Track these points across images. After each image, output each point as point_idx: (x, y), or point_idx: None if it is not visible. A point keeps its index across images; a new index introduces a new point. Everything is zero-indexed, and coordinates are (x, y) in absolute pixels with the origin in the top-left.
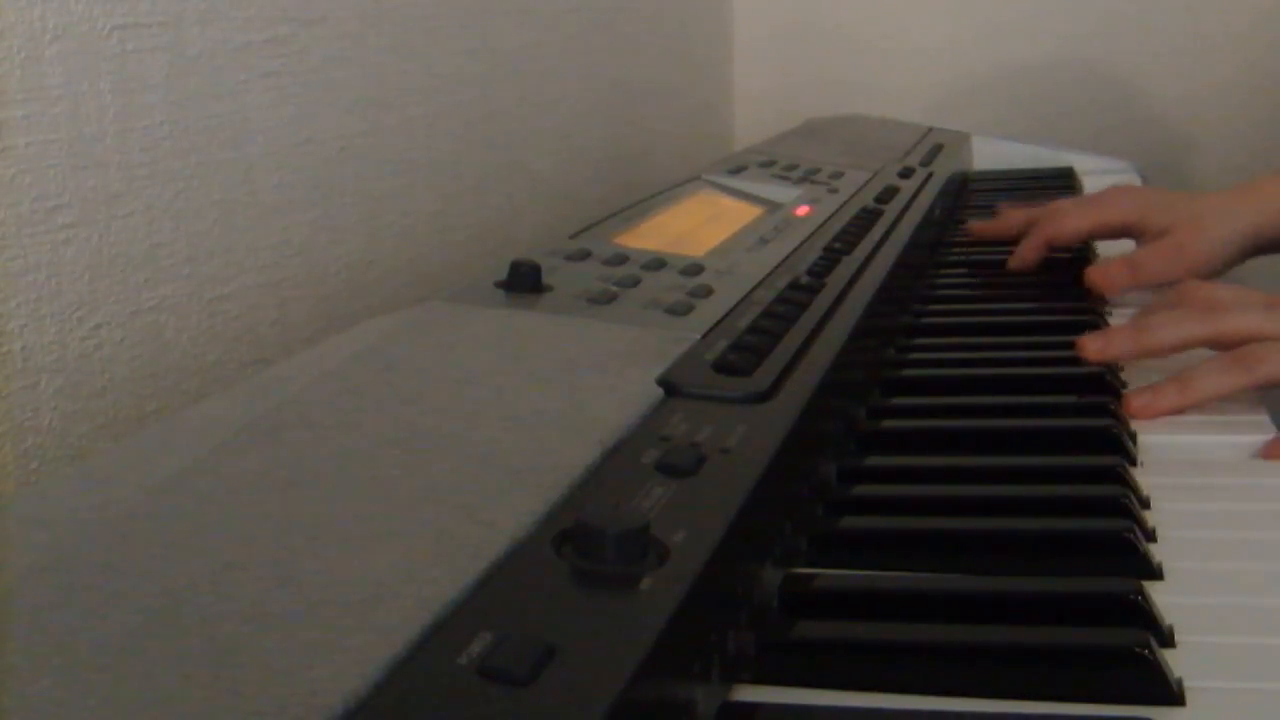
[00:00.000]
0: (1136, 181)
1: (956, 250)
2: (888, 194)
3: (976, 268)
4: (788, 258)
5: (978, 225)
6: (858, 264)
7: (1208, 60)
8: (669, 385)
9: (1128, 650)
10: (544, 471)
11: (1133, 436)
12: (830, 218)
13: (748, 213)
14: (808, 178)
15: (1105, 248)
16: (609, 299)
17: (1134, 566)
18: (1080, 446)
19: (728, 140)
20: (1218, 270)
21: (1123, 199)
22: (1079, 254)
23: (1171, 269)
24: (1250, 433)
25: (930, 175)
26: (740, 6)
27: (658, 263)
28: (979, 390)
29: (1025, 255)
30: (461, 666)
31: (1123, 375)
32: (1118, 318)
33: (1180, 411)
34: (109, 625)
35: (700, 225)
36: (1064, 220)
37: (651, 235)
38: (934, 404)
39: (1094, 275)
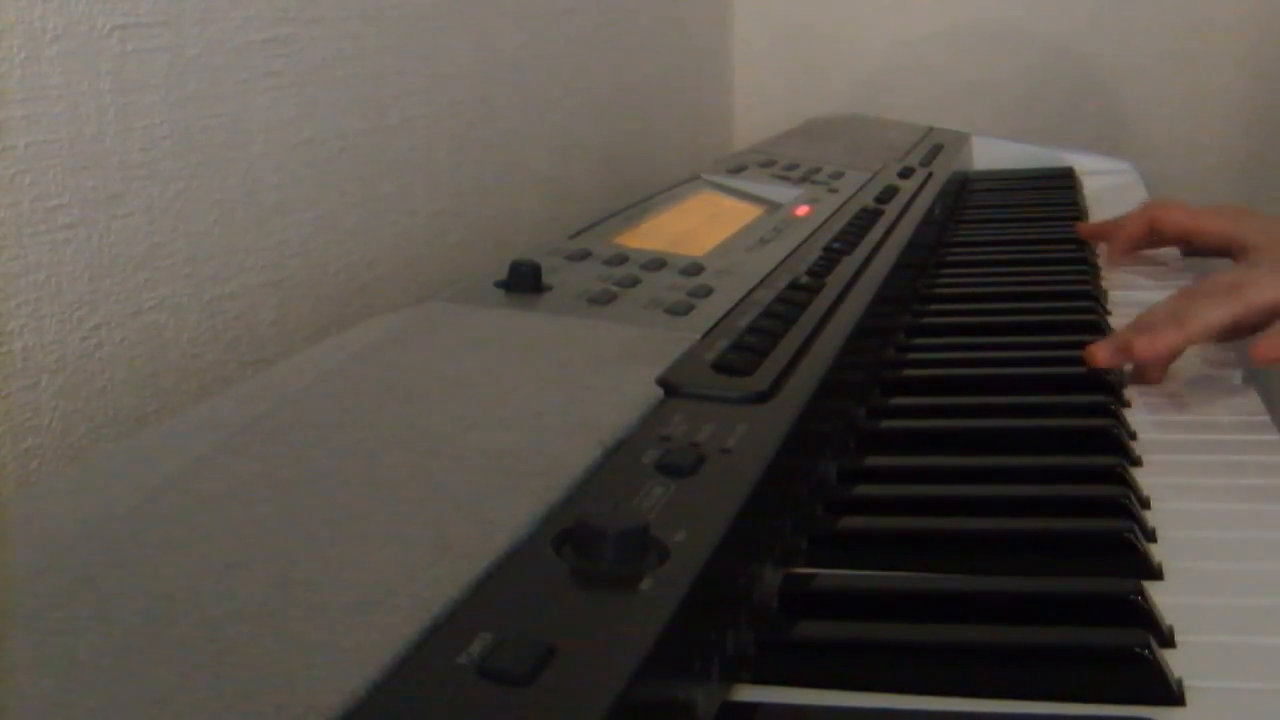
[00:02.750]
0: (1137, 180)
1: (956, 250)
2: (888, 194)
3: (976, 268)
4: (788, 258)
5: (1084, 227)
6: (858, 264)
7: (1207, 60)
8: (669, 385)
9: (1128, 650)
10: (544, 471)
11: (1133, 436)
12: (830, 218)
13: (748, 213)
14: (808, 178)
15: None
16: (609, 299)
17: (1134, 566)
18: (1080, 446)
19: (728, 140)
20: None
21: (1228, 215)
22: (1078, 254)
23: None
24: (1250, 433)
25: (930, 175)
26: (740, 7)
27: (658, 263)
28: (979, 390)
29: (1126, 234)
30: (461, 666)
31: (1126, 385)
32: (1118, 317)
33: (1181, 348)
34: (109, 625)
35: (700, 225)
36: (1172, 210)
37: (651, 235)
38: (934, 404)
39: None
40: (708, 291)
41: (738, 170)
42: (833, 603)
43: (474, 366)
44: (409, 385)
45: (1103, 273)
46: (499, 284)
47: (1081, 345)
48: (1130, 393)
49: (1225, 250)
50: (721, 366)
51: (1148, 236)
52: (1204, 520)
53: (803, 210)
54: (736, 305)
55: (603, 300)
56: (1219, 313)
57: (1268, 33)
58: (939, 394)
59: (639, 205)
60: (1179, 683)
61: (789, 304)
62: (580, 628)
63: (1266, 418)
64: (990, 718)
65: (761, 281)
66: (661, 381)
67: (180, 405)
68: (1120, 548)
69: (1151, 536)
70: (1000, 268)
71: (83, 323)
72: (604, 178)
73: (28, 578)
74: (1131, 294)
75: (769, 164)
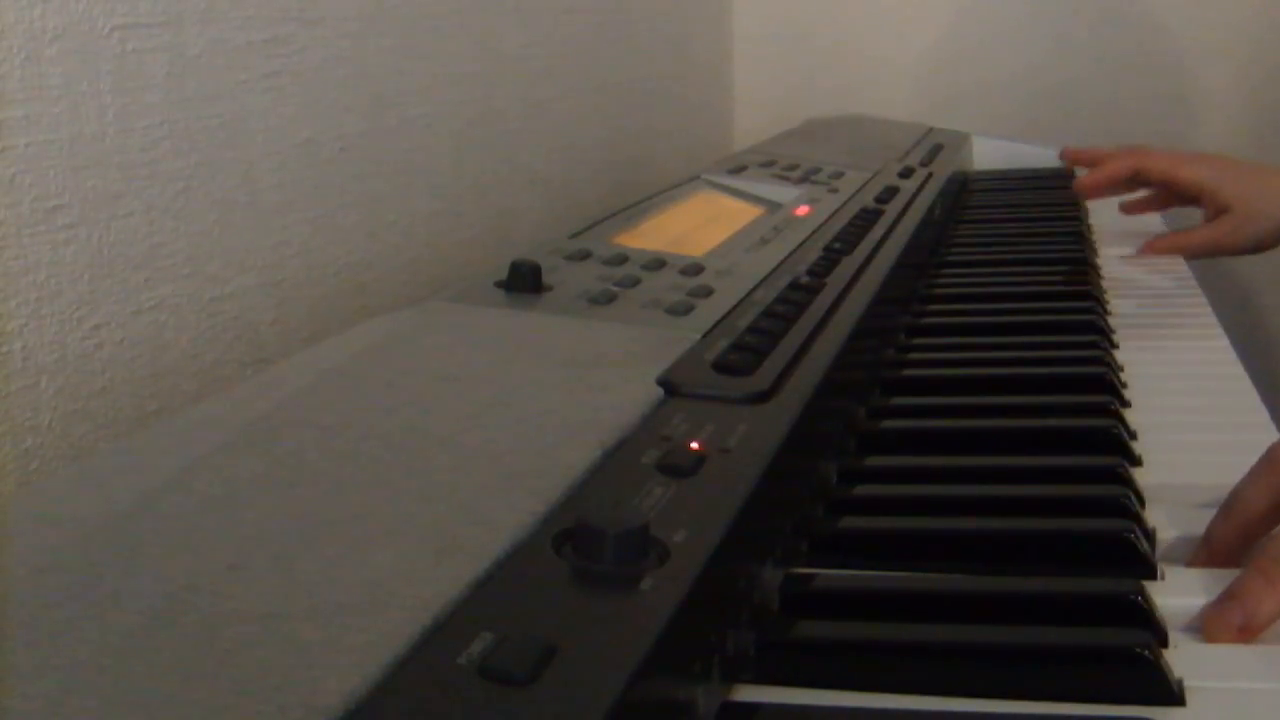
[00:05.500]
0: None
1: (956, 250)
2: (888, 194)
3: (976, 268)
4: (788, 258)
5: (1071, 150)
6: (858, 264)
7: (1206, 60)
8: (669, 385)
9: (1128, 650)
10: (544, 471)
11: (1133, 436)
12: (830, 218)
13: (748, 213)
14: (808, 178)
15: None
16: (609, 299)
17: (1134, 566)
18: (1080, 446)
19: (728, 140)
20: (1268, 246)
21: (1206, 164)
22: (1078, 254)
23: (1219, 249)
24: (1250, 433)
25: (930, 175)
26: (740, 7)
27: (658, 263)
28: (979, 390)
29: (1110, 170)
30: (461, 666)
31: (1126, 384)
32: (1118, 318)
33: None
34: (109, 625)
35: (700, 225)
36: (1157, 158)
37: (651, 235)
38: (934, 404)
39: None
40: (708, 291)
41: (738, 170)
42: (833, 603)
43: (474, 366)
44: (409, 385)
45: (1103, 272)
46: (499, 284)
47: (1081, 345)
48: (1130, 393)
49: (1199, 198)
50: (721, 366)
51: (1130, 180)
52: (1204, 519)
53: (803, 210)
54: (736, 305)
55: (603, 300)
56: None
57: (1267, 34)
58: (939, 394)
59: (639, 205)
60: (1179, 683)
61: (789, 304)
62: (580, 628)
63: (1267, 418)
64: (990, 718)
65: (761, 281)
66: (662, 381)
67: (180, 405)
68: (1120, 548)
69: (1151, 536)
70: (1000, 268)
71: (83, 323)
72: (604, 178)
73: (28, 578)
74: (1131, 296)
75: (769, 164)
